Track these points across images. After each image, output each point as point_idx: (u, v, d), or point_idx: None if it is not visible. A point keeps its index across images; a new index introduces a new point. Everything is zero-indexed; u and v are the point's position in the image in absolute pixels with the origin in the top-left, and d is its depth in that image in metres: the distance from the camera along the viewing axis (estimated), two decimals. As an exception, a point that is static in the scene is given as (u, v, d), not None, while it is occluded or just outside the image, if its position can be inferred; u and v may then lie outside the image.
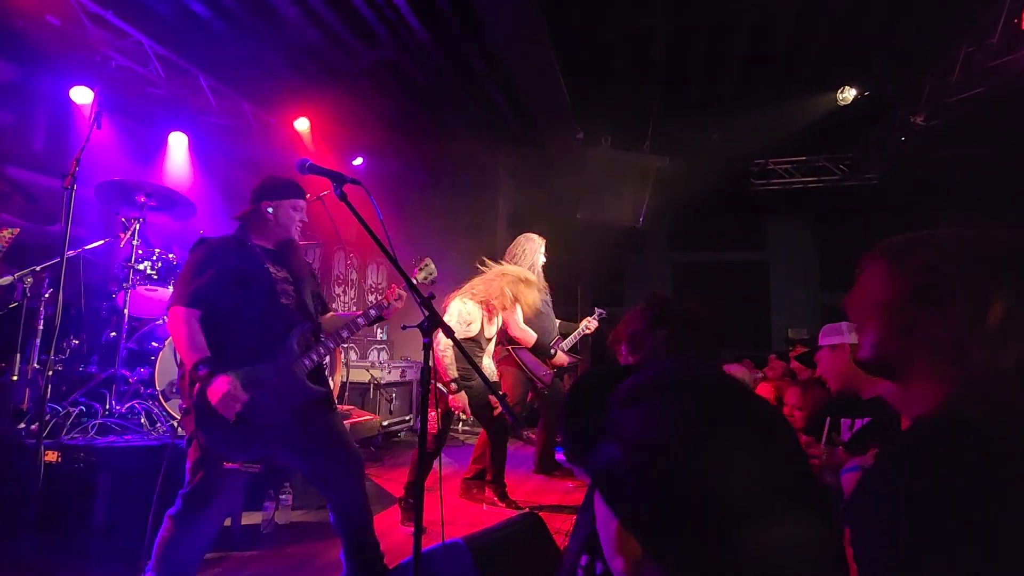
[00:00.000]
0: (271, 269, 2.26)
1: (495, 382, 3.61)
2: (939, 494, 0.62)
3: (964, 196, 7.18)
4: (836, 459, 1.68)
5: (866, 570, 0.65)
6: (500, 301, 3.47)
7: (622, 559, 0.52)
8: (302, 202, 2.38)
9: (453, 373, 3.31)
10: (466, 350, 2.12)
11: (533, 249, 4.06)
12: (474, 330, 3.43)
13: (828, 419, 1.87)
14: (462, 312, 3.42)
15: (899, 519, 0.64)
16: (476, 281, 3.55)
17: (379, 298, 2.44)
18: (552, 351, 3.95)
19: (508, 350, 3.88)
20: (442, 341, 3.26)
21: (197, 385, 1.99)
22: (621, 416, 0.54)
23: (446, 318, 3.40)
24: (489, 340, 3.60)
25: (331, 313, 2.56)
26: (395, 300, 2.42)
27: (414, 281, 2.44)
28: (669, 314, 1.47)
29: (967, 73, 5.06)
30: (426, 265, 2.60)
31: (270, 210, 2.30)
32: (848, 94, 5.99)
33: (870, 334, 0.82)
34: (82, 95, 4.63)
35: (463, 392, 3.34)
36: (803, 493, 0.50)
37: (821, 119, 6.37)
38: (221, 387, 1.94)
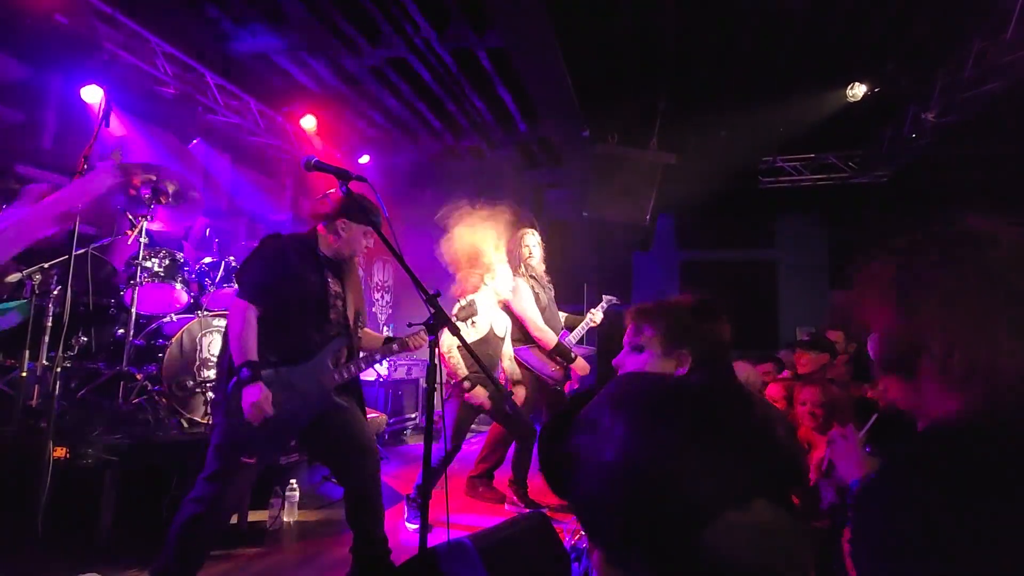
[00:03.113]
0: (330, 282, 2.31)
1: (509, 391, 3.54)
2: (950, 501, 0.60)
3: (977, 194, 7.09)
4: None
5: (866, 571, 0.64)
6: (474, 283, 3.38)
7: None
8: (372, 231, 2.27)
9: (463, 372, 3.24)
10: (474, 351, 2.11)
11: (518, 245, 3.92)
12: (482, 330, 3.33)
13: (875, 416, 1.81)
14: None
15: (904, 524, 0.62)
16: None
17: (409, 336, 2.53)
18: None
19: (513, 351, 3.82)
20: (445, 343, 3.16)
21: (234, 378, 2.06)
22: (580, 445, 0.53)
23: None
24: (502, 339, 3.48)
25: (365, 329, 2.59)
26: (416, 346, 2.52)
27: (454, 318, 2.52)
28: (699, 333, 1.46)
29: (980, 69, 4.99)
30: (469, 304, 2.74)
31: (342, 228, 2.32)
32: (858, 90, 5.91)
33: (874, 335, 0.83)
34: (91, 93, 4.66)
35: (479, 387, 3.25)
36: (773, 502, 0.48)
37: (831, 116, 6.29)
38: (254, 395, 2.03)
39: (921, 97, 5.82)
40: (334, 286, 2.33)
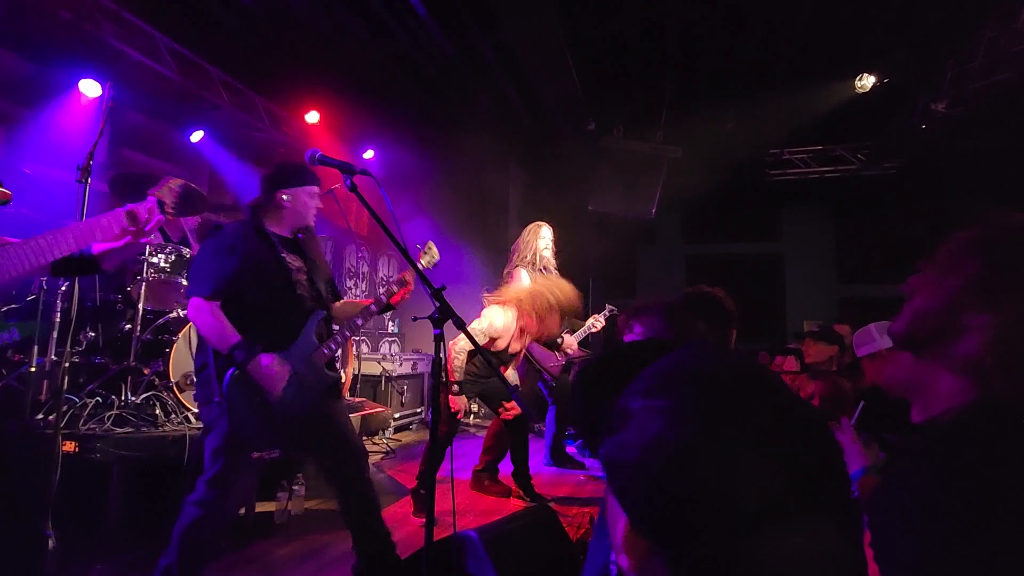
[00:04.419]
0: (287, 258, 2.27)
1: (516, 386, 3.58)
2: (977, 488, 0.59)
3: (987, 186, 7.00)
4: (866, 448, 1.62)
5: (894, 570, 0.62)
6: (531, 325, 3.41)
7: (629, 557, 0.49)
8: (317, 188, 2.35)
9: (459, 376, 3.30)
10: (481, 346, 2.10)
11: (535, 236, 3.99)
12: (500, 345, 3.40)
13: (861, 403, 1.80)
14: (504, 322, 3.37)
15: (933, 515, 0.61)
16: (523, 295, 3.44)
17: (389, 285, 2.44)
18: (560, 340, 3.91)
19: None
20: (458, 344, 3.26)
21: (230, 371, 2.01)
22: (639, 407, 0.50)
23: (478, 322, 3.38)
24: (513, 355, 3.56)
25: (343, 300, 2.57)
26: (399, 285, 2.42)
27: (420, 266, 2.42)
28: (690, 326, 1.46)
29: (991, 58, 4.93)
30: (428, 249, 2.57)
31: (286, 198, 2.28)
32: (867, 81, 5.84)
33: (912, 306, 0.80)
34: (95, 89, 4.67)
35: (463, 396, 3.33)
36: (827, 498, 0.46)
37: (839, 107, 6.23)
38: (264, 366, 2.01)
39: (931, 87, 5.76)
40: (293, 262, 2.27)
